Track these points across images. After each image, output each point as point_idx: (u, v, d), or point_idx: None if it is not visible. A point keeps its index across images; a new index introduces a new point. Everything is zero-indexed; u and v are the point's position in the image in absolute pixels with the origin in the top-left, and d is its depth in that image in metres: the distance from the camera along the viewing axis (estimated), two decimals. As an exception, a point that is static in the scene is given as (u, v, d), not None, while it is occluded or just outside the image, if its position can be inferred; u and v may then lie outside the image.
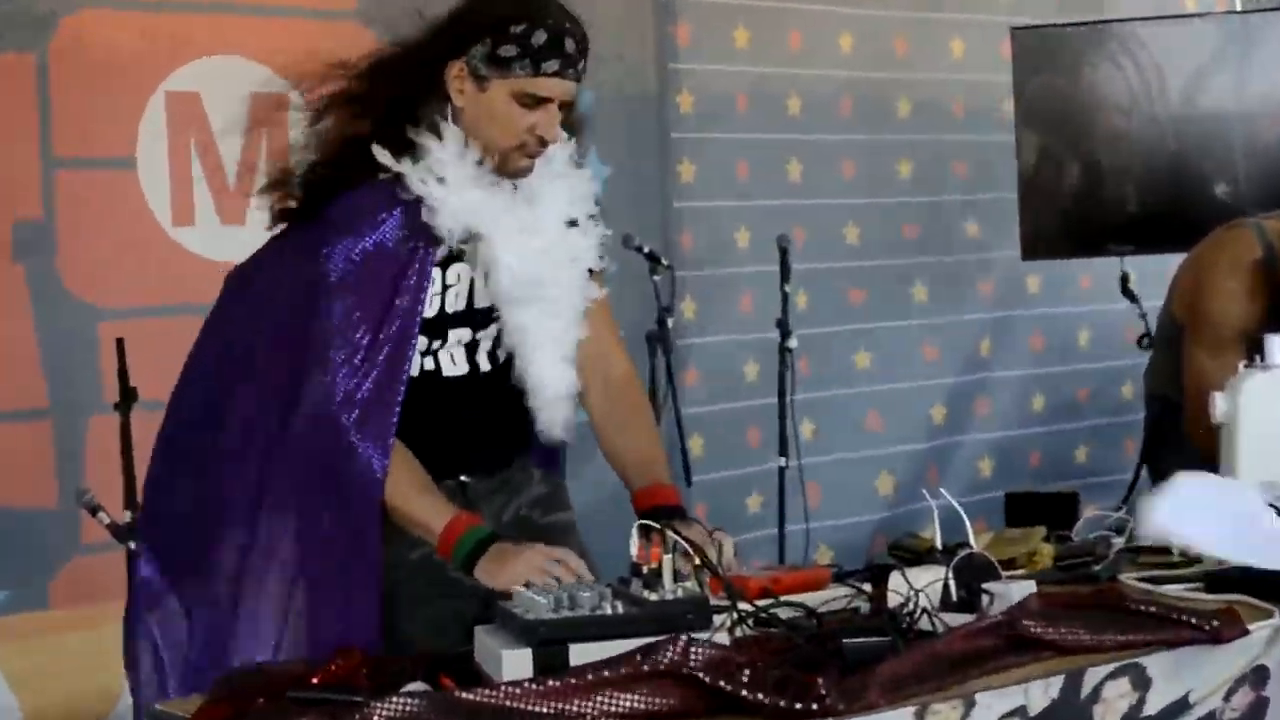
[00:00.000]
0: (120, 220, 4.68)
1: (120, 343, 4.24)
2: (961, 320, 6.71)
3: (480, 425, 2.99)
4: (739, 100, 6.12)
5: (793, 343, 5.43)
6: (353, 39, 3.06)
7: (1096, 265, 6.78)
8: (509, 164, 2.87)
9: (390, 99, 2.85)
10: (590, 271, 3.04)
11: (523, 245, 2.89)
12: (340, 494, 2.74)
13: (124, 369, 4.23)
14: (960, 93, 6.73)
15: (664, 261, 5.11)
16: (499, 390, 3.03)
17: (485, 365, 2.98)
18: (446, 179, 2.81)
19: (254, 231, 3.03)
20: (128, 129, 4.69)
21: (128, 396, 4.18)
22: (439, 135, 2.83)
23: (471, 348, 2.96)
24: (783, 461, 5.46)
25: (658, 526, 2.49)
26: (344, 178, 2.83)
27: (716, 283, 6.04)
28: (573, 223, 2.99)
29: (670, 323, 5.08)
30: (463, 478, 2.98)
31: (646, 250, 5.09)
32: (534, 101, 2.82)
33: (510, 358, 3.02)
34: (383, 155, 2.80)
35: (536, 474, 3.12)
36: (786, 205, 6.22)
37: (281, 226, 2.94)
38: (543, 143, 2.86)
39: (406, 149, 2.83)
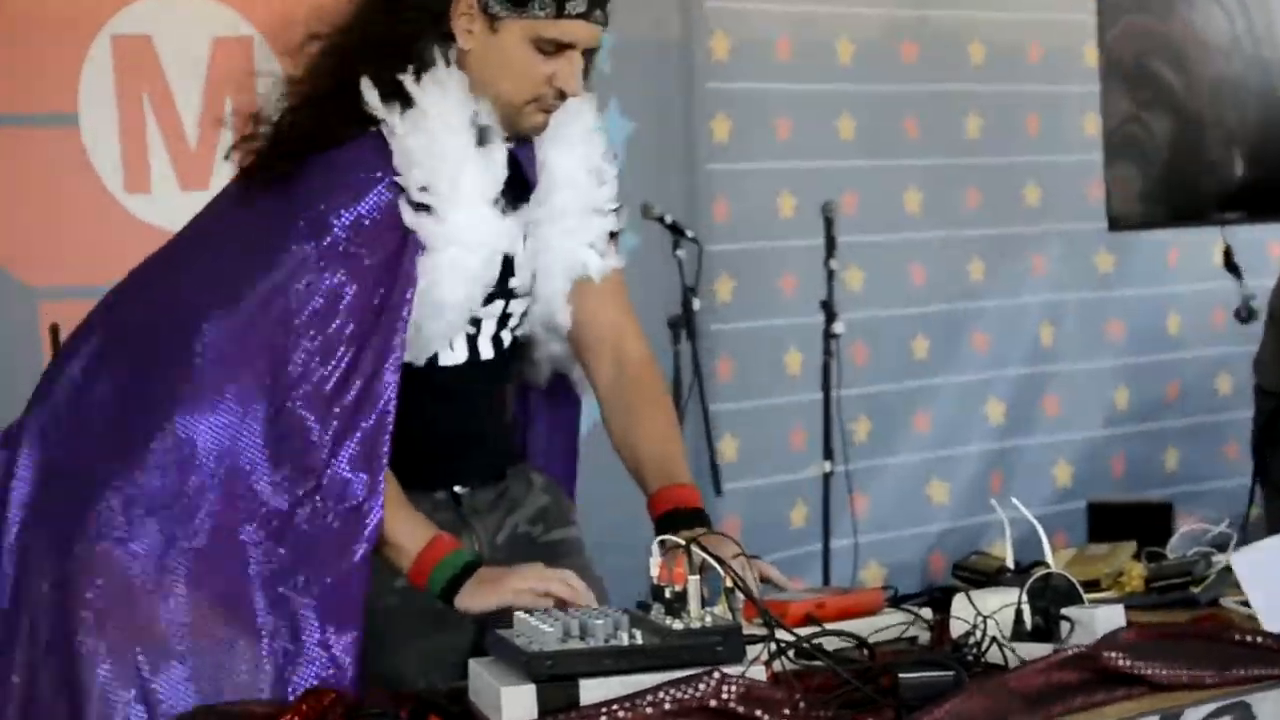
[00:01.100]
0: (61, 186, 4.68)
1: (55, 330, 4.22)
2: (1021, 303, 6.69)
3: (478, 424, 2.97)
4: (780, 44, 6.11)
5: (839, 327, 5.42)
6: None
7: (1186, 238, 6.75)
8: (521, 120, 2.83)
9: (381, 41, 2.82)
10: (611, 235, 3.02)
11: (482, 246, 2.82)
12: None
13: (59, 359, 4.23)
14: (1037, 35, 6.70)
15: (689, 234, 5.11)
16: (500, 382, 3.02)
17: (487, 351, 2.95)
18: (434, 131, 2.79)
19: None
20: (67, 80, 4.67)
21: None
22: (436, 81, 2.78)
23: (472, 328, 2.94)
24: (828, 466, 5.46)
25: (682, 542, 2.46)
26: (325, 129, 2.80)
27: (754, 258, 6.02)
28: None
29: (696, 305, 5.09)
30: (456, 488, 2.96)
31: (669, 221, 5.09)
32: (554, 48, 2.78)
33: (516, 343, 3.00)
34: (370, 94, 2.77)
35: (537, 482, 3.09)
36: (837, 168, 6.20)
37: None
38: (561, 95, 2.82)
39: (398, 96, 2.79)
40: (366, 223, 2.74)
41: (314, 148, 2.78)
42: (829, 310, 5.40)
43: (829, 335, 5.42)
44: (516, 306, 2.96)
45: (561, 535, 3.07)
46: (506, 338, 2.98)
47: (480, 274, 2.84)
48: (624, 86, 5.49)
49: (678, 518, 2.87)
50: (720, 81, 5.94)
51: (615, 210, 3.02)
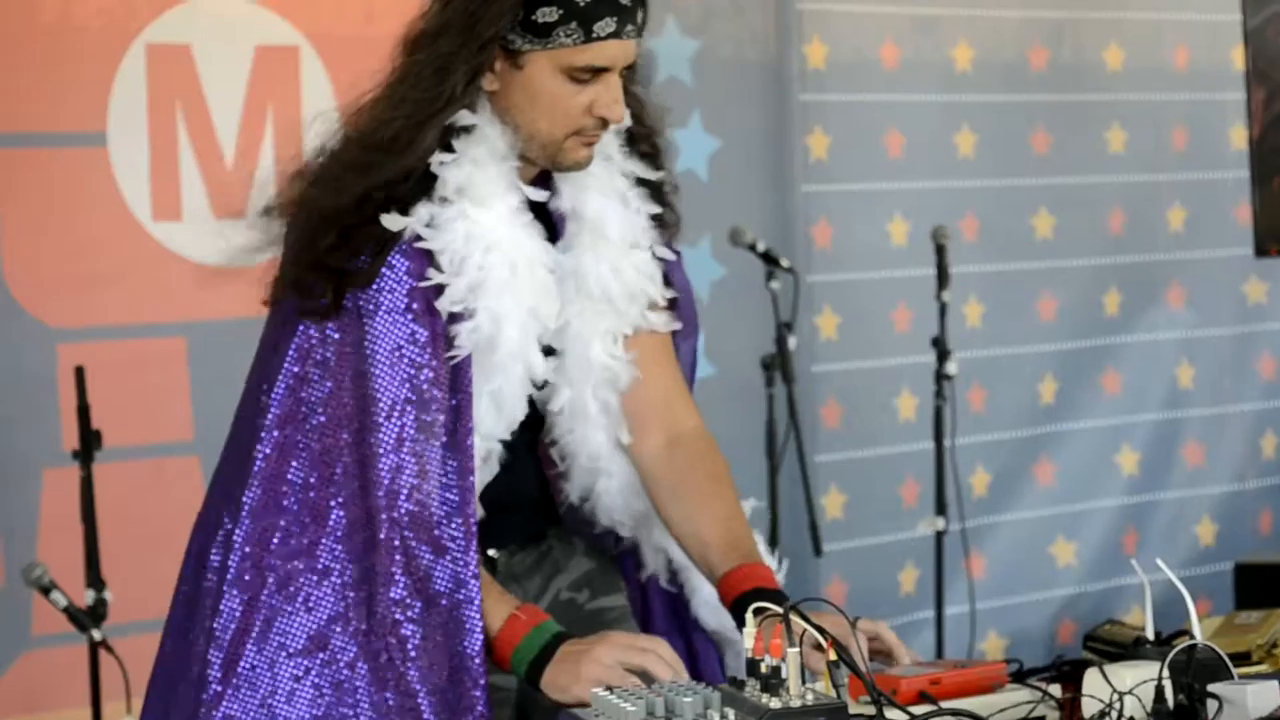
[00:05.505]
0: (85, 213, 4.73)
1: (80, 373, 4.26)
2: (1159, 339, 6.66)
3: (512, 484, 2.97)
4: (887, 50, 6.12)
5: (953, 368, 5.41)
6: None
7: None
8: (564, 156, 2.85)
9: (429, 103, 2.79)
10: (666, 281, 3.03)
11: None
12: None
13: (84, 406, 4.25)
14: (1183, 37, 6.67)
15: (784, 263, 5.12)
16: (536, 440, 3.03)
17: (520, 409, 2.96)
18: (465, 187, 2.78)
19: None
20: (95, 95, 4.73)
21: (89, 443, 4.19)
22: (473, 146, 2.79)
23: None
24: (941, 524, 5.45)
25: (779, 610, 2.48)
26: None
27: (862, 290, 6.03)
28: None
29: (792, 343, 5.09)
30: (490, 552, 2.99)
31: (762, 249, 5.10)
32: (589, 74, 2.79)
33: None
34: (393, 222, 2.77)
35: (580, 545, 3.11)
36: (954, 189, 6.22)
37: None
38: (604, 124, 2.84)
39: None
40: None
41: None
42: (941, 348, 5.39)
43: (941, 376, 5.41)
44: (550, 364, 2.93)
45: (608, 603, 3.09)
46: (541, 400, 2.98)
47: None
48: (707, 98, 5.52)
49: (756, 599, 2.80)
50: (817, 93, 5.95)
51: (661, 235, 3.00)
